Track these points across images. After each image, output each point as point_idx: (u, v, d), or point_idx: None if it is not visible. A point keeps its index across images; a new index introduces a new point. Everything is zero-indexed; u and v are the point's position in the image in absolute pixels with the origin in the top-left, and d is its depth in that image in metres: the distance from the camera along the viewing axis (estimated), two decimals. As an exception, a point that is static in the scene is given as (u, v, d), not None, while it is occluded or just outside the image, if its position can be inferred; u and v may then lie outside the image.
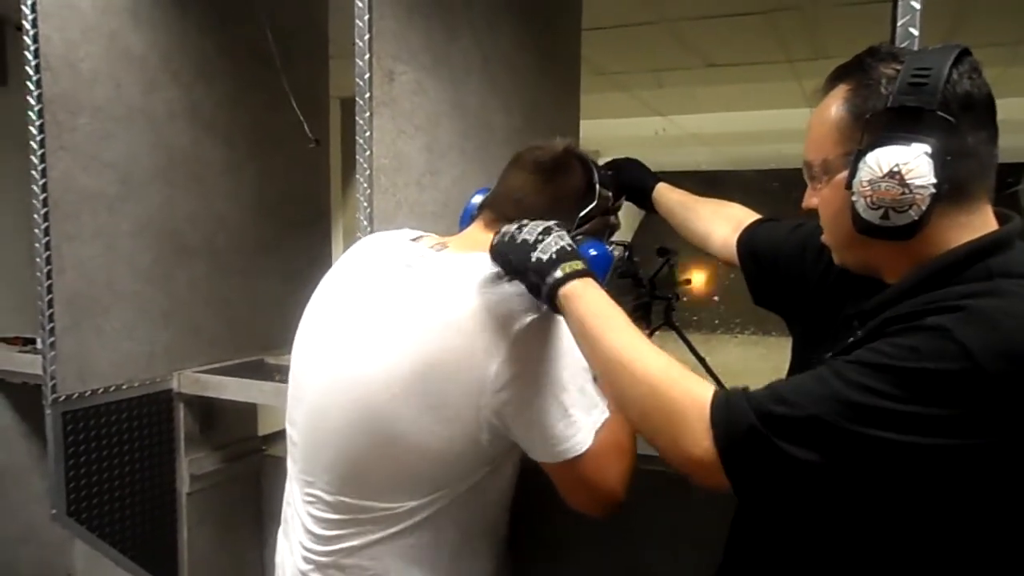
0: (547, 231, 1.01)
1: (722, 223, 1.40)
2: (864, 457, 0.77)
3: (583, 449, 1.04)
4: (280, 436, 2.76)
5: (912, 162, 0.82)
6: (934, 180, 0.81)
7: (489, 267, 1.06)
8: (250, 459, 2.58)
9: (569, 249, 1.00)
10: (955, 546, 0.85)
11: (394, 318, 1.07)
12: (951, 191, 0.83)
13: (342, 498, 1.10)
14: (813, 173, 0.95)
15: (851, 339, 0.89)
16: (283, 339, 2.65)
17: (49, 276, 1.93)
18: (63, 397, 1.99)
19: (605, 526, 1.60)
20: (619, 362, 0.91)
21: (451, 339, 1.02)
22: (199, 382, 2.27)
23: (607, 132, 6.34)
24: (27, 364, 2.37)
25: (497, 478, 1.15)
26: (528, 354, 1.02)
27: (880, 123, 0.85)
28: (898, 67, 0.86)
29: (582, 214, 1.23)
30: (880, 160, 0.83)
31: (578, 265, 0.98)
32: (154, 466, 2.25)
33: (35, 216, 1.90)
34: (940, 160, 0.81)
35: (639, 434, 0.95)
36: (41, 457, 2.45)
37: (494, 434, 1.05)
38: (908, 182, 0.82)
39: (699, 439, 0.82)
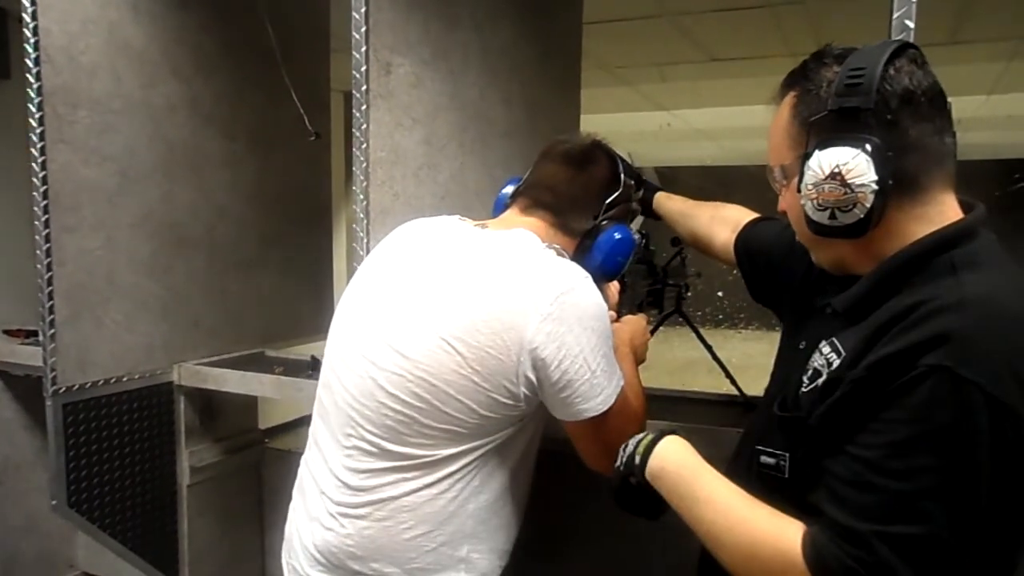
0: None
1: (721, 227, 1.44)
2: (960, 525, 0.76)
3: (603, 409, 1.16)
4: (281, 429, 2.78)
5: (851, 162, 0.83)
6: (875, 177, 0.83)
7: (533, 240, 1.21)
8: (251, 451, 2.58)
9: (635, 444, 1.03)
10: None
11: (447, 281, 1.18)
12: (901, 185, 0.84)
13: (386, 445, 1.17)
14: (776, 179, 0.98)
15: (832, 368, 0.88)
16: (283, 332, 2.66)
17: (49, 268, 1.94)
18: (63, 388, 2.00)
19: (600, 516, 1.62)
20: (714, 513, 0.92)
21: (499, 301, 1.13)
22: (199, 374, 2.27)
23: (612, 127, 6.28)
24: (29, 356, 2.38)
25: (522, 440, 1.24)
26: (563, 319, 1.12)
27: (822, 126, 0.87)
28: (839, 69, 0.87)
29: (608, 201, 1.33)
30: (821, 162, 0.85)
31: (646, 440, 1.02)
32: (154, 458, 2.27)
33: (35, 208, 1.91)
34: (881, 157, 0.83)
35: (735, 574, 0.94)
36: (44, 449, 2.46)
37: (529, 390, 1.14)
38: (849, 182, 0.83)
39: None
